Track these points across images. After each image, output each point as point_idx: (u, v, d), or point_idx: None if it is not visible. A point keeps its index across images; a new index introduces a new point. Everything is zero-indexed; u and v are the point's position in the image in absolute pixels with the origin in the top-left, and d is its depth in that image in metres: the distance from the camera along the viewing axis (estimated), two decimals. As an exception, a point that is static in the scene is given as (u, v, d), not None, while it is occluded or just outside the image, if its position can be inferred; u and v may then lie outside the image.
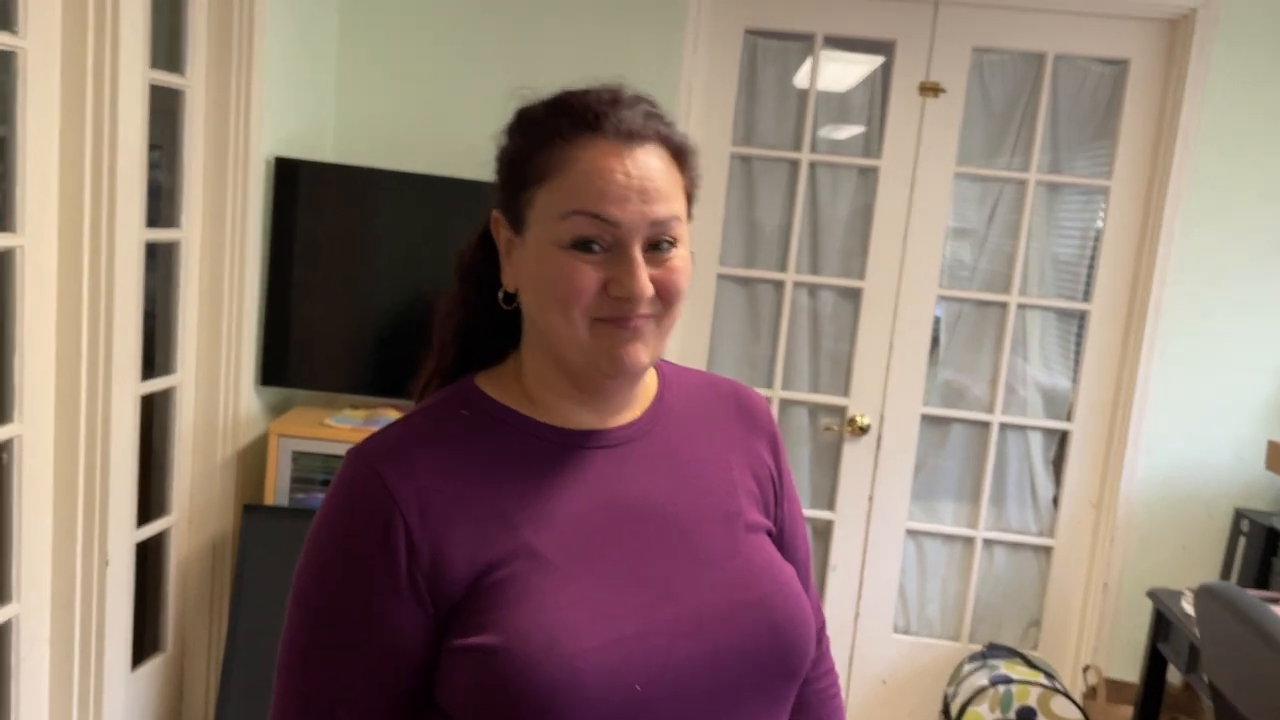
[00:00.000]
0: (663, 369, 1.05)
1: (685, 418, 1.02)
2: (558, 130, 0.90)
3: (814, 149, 3.07)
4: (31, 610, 2.06)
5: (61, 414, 2.05)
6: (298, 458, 2.62)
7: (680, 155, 0.93)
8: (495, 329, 0.99)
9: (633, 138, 0.89)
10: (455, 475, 0.89)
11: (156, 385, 2.42)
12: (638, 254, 0.88)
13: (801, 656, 0.94)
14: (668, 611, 0.89)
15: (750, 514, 1.00)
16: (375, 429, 2.99)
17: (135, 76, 2.08)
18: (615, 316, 0.89)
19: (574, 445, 0.95)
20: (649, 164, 0.89)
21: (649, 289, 0.88)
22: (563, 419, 0.96)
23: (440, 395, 0.98)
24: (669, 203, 0.89)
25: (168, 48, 2.38)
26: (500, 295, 0.96)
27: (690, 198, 0.95)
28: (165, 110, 2.39)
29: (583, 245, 0.88)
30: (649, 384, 1.02)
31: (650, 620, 0.88)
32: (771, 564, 0.97)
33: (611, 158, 0.88)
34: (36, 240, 1.96)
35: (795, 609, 0.94)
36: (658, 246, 0.90)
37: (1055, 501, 3.15)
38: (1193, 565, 2.95)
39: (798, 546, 1.08)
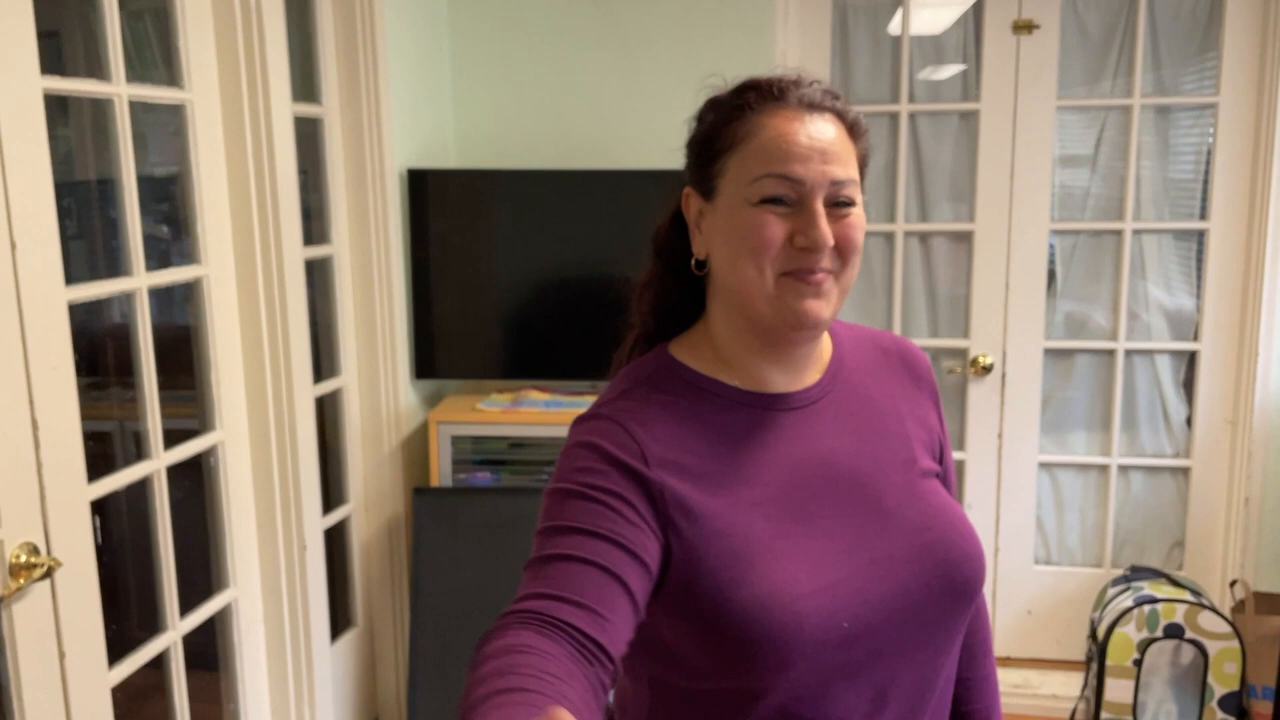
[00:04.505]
0: (835, 330, 1.15)
1: (860, 375, 1.12)
2: (746, 103, 1.02)
3: (912, 99, 3.14)
4: (246, 593, 2.34)
5: (253, 420, 2.31)
6: (456, 441, 2.85)
7: (853, 130, 1.03)
8: (687, 300, 1.11)
9: (813, 107, 1.00)
10: (676, 439, 0.99)
11: (326, 388, 2.68)
12: (820, 207, 0.98)
13: (976, 584, 1.04)
14: (863, 557, 0.99)
15: (924, 461, 1.10)
16: (524, 410, 3.16)
17: (284, 112, 2.31)
18: (799, 269, 0.98)
19: (768, 408, 1.05)
20: (827, 130, 1.00)
21: (830, 238, 0.97)
22: (755, 382, 1.05)
23: (642, 368, 1.08)
24: (846, 166, 1.00)
25: (303, 81, 2.61)
26: (693, 263, 1.07)
27: (862, 170, 1.05)
28: (306, 136, 2.63)
29: (771, 201, 0.98)
30: (825, 346, 1.11)
31: (850, 566, 0.98)
32: (946, 506, 1.07)
33: (795, 123, 0.99)
34: (218, 269, 2.21)
35: (969, 545, 1.05)
36: (836, 205, 0.99)
37: (1189, 422, 3.15)
38: (1338, 473, 2.92)
39: (951, 483, 1.18)
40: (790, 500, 1.00)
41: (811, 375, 1.09)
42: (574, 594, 0.86)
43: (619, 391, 1.05)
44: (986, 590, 3.25)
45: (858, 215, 1.01)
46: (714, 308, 1.08)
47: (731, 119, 1.02)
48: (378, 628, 2.94)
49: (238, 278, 2.26)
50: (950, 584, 1.01)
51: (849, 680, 0.97)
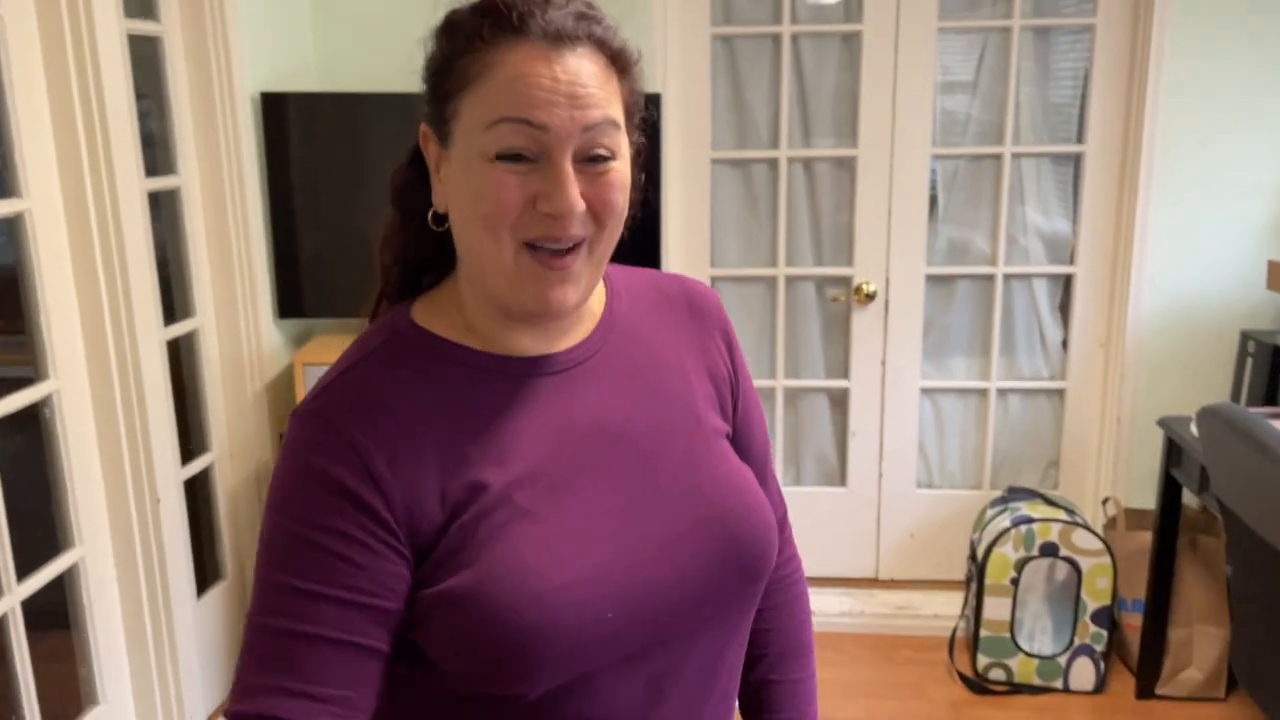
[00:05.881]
0: (610, 276, 1.01)
1: (637, 328, 0.99)
2: (478, 33, 0.83)
3: (794, 19, 3.05)
4: (94, 552, 2.19)
5: (93, 365, 2.14)
6: (324, 384, 2.71)
7: (619, 61, 0.86)
8: (438, 250, 0.94)
9: (561, 40, 0.82)
10: (412, 422, 0.86)
11: (180, 330, 2.51)
12: (567, 164, 0.82)
13: (765, 563, 0.94)
14: (634, 536, 0.88)
15: (709, 421, 0.98)
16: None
17: (112, 28, 2.10)
18: (545, 238, 0.84)
19: (523, 374, 0.91)
20: (580, 67, 0.82)
21: (579, 204, 0.82)
22: (507, 347, 0.91)
23: (373, 337, 0.92)
24: (603, 107, 0.83)
25: (139, -5, 2.39)
26: (430, 216, 0.91)
27: (630, 112, 0.88)
28: (146, 58, 2.42)
29: (510, 157, 0.82)
30: (596, 299, 0.98)
31: (617, 547, 0.87)
32: (732, 474, 0.96)
33: (538, 61, 0.81)
34: (42, 202, 2.02)
35: (758, 519, 0.94)
36: (591, 160, 0.83)
37: (1064, 345, 3.20)
38: (1203, 391, 3.01)
39: (754, 440, 1.05)
40: (548, 478, 0.88)
41: (576, 334, 0.94)
42: (323, 686, 0.80)
43: (343, 368, 0.89)
44: (870, 515, 3.30)
45: (619, 172, 0.85)
46: (460, 267, 0.93)
47: (463, 51, 0.83)
48: (249, 579, 2.81)
49: (66, 212, 2.07)
50: (736, 562, 0.91)
51: (617, 673, 0.87)
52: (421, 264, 0.96)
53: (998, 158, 3.09)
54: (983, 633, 2.87)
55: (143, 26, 2.35)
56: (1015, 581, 2.83)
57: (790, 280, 3.22)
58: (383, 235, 0.97)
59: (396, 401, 0.86)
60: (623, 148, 0.86)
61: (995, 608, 2.85)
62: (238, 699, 0.80)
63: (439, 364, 0.89)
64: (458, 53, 0.84)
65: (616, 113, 0.85)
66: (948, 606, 3.17)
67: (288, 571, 0.82)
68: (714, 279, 3.21)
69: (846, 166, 3.13)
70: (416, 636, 0.86)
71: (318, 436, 0.84)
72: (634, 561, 0.87)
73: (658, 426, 0.94)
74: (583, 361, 0.94)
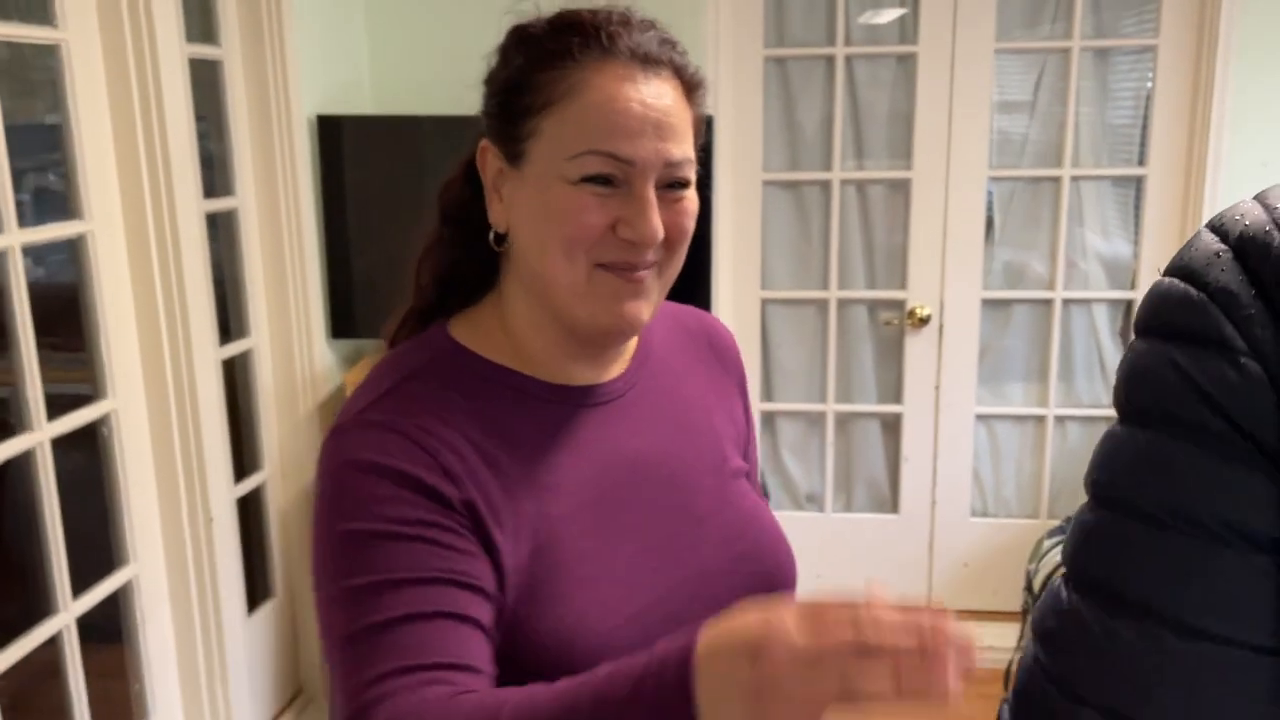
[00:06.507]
0: None
1: (667, 363, 1.00)
2: (567, 50, 0.83)
3: (848, 41, 3.03)
4: (148, 570, 2.21)
5: (150, 385, 2.17)
6: (375, 404, 2.72)
7: (691, 90, 0.87)
8: (478, 270, 0.93)
9: (648, 62, 0.83)
10: (470, 440, 0.83)
11: (234, 349, 2.53)
12: (651, 194, 0.83)
13: (790, 593, 0.95)
14: (677, 574, 0.89)
15: (733, 460, 1.00)
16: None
17: (174, 53, 2.13)
18: (620, 263, 0.84)
19: (570, 403, 0.90)
20: (663, 94, 0.83)
21: (660, 231, 0.83)
22: (554, 373, 0.91)
23: (414, 356, 0.90)
24: (683, 143, 0.84)
25: (200, 20, 2.43)
26: (491, 236, 0.90)
27: (696, 137, 0.88)
28: (206, 82, 2.45)
29: (593, 179, 0.82)
30: None
31: (662, 585, 0.88)
32: (756, 510, 0.98)
33: (626, 83, 0.82)
34: (104, 224, 2.05)
35: (782, 554, 0.96)
36: (669, 186, 0.85)
37: (1125, 372, 3.12)
38: (1271, 421, 2.91)
39: (753, 477, 1.07)
40: (597, 512, 0.87)
41: (617, 366, 0.94)
42: (448, 656, 0.72)
43: (385, 388, 0.85)
44: (923, 543, 3.24)
45: (691, 199, 0.86)
46: (511, 287, 0.91)
47: (547, 67, 0.83)
48: (299, 597, 2.83)
49: (127, 233, 2.10)
50: (765, 596, 0.92)
51: None
52: (459, 283, 0.94)
53: (1056, 180, 3.04)
54: (1039, 666, 2.80)
55: (203, 51, 2.39)
56: (1074, 614, 2.75)
57: (842, 303, 3.18)
58: (422, 250, 0.96)
59: (452, 418, 0.83)
60: (694, 176, 0.87)
61: (1053, 641, 2.78)
62: (341, 711, 0.71)
63: (488, 386, 0.88)
64: (540, 69, 0.84)
65: (691, 148, 0.86)
66: (1003, 638, 3.09)
67: (371, 571, 0.75)
68: (765, 301, 3.18)
69: (900, 188, 3.10)
70: None
71: (379, 439, 0.80)
72: (676, 601, 0.87)
73: (689, 463, 0.95)
74: (624, 394, 0.94)
